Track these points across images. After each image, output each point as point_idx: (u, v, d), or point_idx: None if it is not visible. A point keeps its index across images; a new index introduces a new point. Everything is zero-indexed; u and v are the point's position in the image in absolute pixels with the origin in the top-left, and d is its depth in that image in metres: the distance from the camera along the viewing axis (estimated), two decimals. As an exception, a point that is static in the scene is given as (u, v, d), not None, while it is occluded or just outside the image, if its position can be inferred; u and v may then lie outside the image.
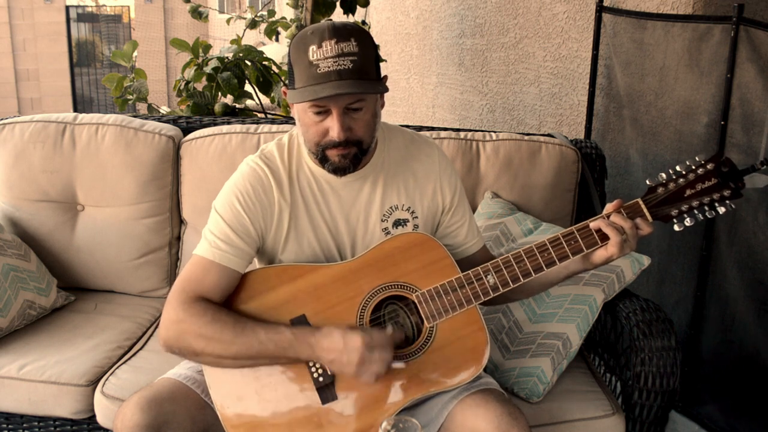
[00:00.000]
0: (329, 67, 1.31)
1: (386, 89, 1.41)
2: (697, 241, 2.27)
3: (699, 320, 2.30)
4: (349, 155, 1.40)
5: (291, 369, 1.42)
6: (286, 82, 1.66)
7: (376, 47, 1.41)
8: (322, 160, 1.42)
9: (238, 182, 1.48)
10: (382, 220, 1.51)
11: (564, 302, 1.80)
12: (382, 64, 2.86)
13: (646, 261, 1.84)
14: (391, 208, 1.52)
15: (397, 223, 1.52)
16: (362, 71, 1.33)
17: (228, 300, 1.45)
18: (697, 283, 2.29)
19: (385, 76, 1.44)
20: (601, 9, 2.58)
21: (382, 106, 1.46)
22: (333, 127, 1.36)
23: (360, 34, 1.35)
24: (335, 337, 1.35)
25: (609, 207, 1.44)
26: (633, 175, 2.52)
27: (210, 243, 1.44)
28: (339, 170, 1.42)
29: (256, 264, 1.58)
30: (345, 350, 1.34)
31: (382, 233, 1.51)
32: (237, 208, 1.45)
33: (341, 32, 1.33)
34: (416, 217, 1.53)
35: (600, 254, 1.43)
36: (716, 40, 2.13)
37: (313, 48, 1.33)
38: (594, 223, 1.42)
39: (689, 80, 2.25)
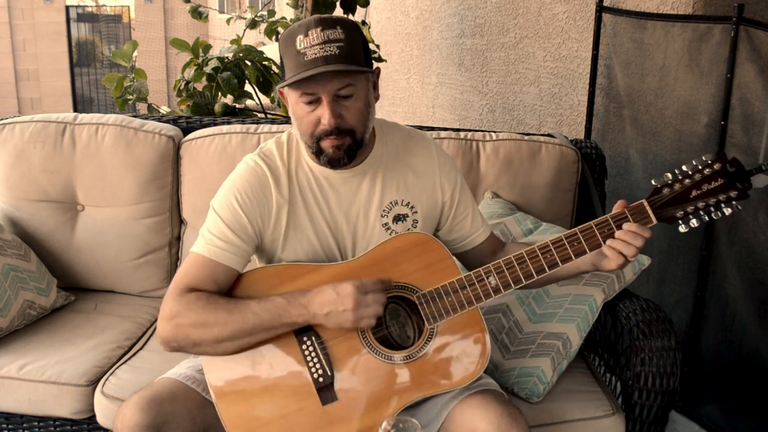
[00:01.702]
0: (316, 54, 1.32)
1: (373, 71, 1.41)
2: (697, 241, 2.27)
3: (699, 320, 2.30)
4: (343, 146, 1.40)
5: (291, 370, 1.42)
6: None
7: (364, 38, 1.41)
8: (317, 152, 1.42)
9: (236, 181, 1.48)
10: (382, 216, 1.51)
11: (564, 302, 1.80)
12: (382, 64, 2.86)
13: (646, 261, 1.84)
14: (390, 203, 1.52)
15: (397, 219, 1.52)
16: (349, 56, 1.34)
17: (228, 300, 1.45)
18: (697, 283, 2.29)
19: (378, 68, 1.44)
20: (601, 9, 2.58)
21: (377, 98, 1.46)
22: (324, 114, 1.36)
23: (346, 23, 1.37)
24: (326, 290, 1.37)
25: (617, 207, 1.42)
26: (633, 175, 2.52)
27: (206, 240, 1.44)
28: (334, 162, 1.42)
29: (257, 263, 1.58)
30: (338, 299, 1.35)
31: (383, 229, 1.51)
32: (234, 207, 1.45)
33: (327, 21, 1.35)
34: (416, 212, 1.53)
35: (605, 265, 1.43)
36: (716, 40, 2.13)
37: (300, 38, 1.34)
38: (604, 248, 1.40)
39: (689, 80, 2.25)
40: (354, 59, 1.35)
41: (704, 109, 2.21)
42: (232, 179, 1.49)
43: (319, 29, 1.33)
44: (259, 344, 1.42)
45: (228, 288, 1.45)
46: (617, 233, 1.39)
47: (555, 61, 2.96)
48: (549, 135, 2.22)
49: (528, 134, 2.20)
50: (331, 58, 1.32)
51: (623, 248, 1.38)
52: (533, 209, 2.12)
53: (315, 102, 1.37)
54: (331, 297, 1.36)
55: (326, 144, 1.40)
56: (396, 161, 1.53)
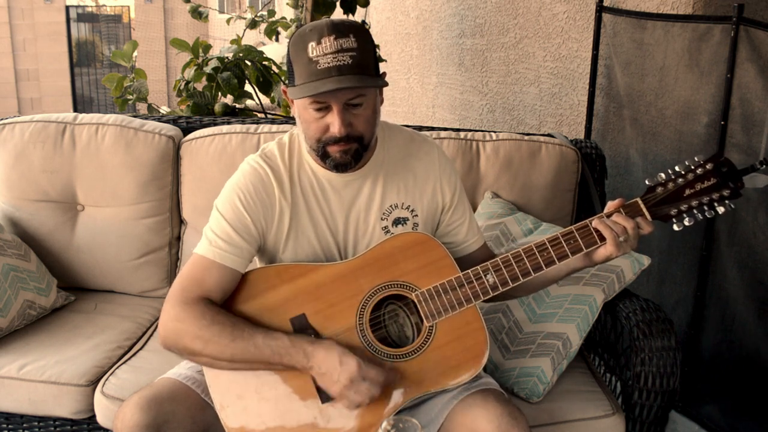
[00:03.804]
0: (329, 63, 1.32)
1: (386, 83, 1.41)
2: (697, 241, 2.27)
3: (699, 320, 2.30)
4: (350, 151, 1.40)
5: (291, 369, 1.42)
6: (286, 81, 1.67)
7: (374, 43, 1.42)
8: (323, 156, 1.42)
9: (240, 181, 1.48)
10: (382, 219, 1.51)
11: (564, 302, 1.80)
12: (382, 64, 2.87)
13: (646, 261, 1.84)
14: (391, 206, 1.52)
15: (397, 222, 1.52)
16: (362, 66, 1.34)
17: (229, 299, 1.45)
18: (697, 283, 2.29)
19: (384, 73, 1.44)
20: (601, 9, 2.58)
21: (381, 102, 1.46)
22: (334, 123, 1.36)
23: (358, 30, 1.36)
24: (333, 352, 1.35)
25: (610, 205, 1.44)
26: (633, 175, 2.52)
27: (211, 242, 1.44)
28: (340, 166, 1.42)
29: (257, 263, 1.58)
30: (338, 368, 1.33)
31: (382, 232, 1.51)
32: (238, 207, 1.45)
33: (340, 28, 1.33)
34: (416, 216, 1.54)
35: (600, 252, 1.43)
36: (716, 40, 2.13)
37: (312, 45, 1.33)
38: (594, 223, 1.42)
39: (689, 80, 2.25)
40: (366, 69, 1.35)
41: (704, 109, 2.21)
42: (236, 180, 1.49)
43: (332, 37, 1.32)
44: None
45: (232, 289, 1.45)
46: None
47: (555, 61, 2.96)
48: (549, 135, 2.22)
49: (528, 134, 2.20)
50: (344, 68, 1.32)
51: (613, 225, 1.40)
52: (533, 209, 2.11)
53: (324, 109, 1.37)
54: (334, 361, 1.34)
55: (333, 149, 1.40)
56: (397, 164, 1.54)
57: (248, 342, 1.37)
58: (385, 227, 1.52)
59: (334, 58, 1.32)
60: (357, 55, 1.33)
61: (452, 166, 1.59)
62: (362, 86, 1.34)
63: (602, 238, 1.42)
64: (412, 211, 1.54)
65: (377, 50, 3.14)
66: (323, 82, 1.31)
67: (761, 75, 2.04)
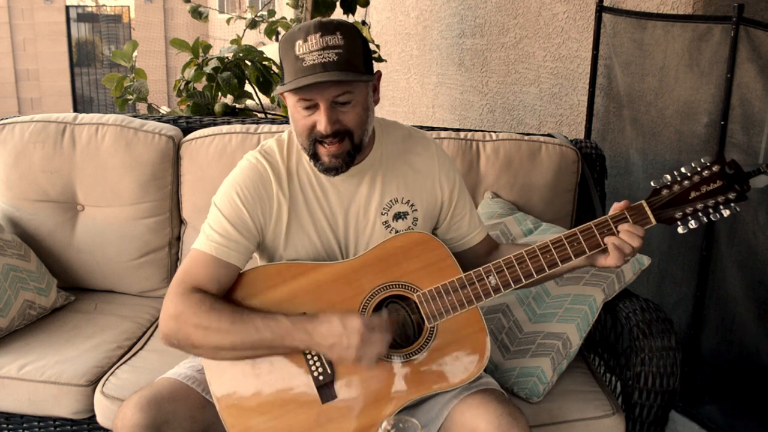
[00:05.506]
0: (314, 60, 1.33)
1: (371, 79, 1.41)
2: (697, 241, 2.27)
3: (699, 320, 2.30)
4: (342, 154, 1.40)
5: (291, 367, 1.42)
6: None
7: (365, 42, 1.41)
8: (314, 157, 1.42)
9: (238, 177, 1.48)
10: (382, 214, 1.51)
11: (564, 302, 1.80)
12: (382, 64, 2.86)
13: (646, 261, 1.84)
14: (390, 201, 1.52)
15: (397, 216, 1.52)
16: (348, 63, 1.34)
17: (229, 297, 1.45)
18: (697, 283, 2.29)
19: (378, 72, 1.44)
20: (601, 9, 2.58)
21: (376, 102, 1.46)
22: (320, 120, 1.37)
23: (346, 28, 1.36)
24: (333, 322, 1.36)
25: (616, 207, 1.43)
26: (633, 175, 2.52)
27: (208, 237, 1.45)
28: (330, 170, 1.43)
29: (258, 261, 1.58)
30: (345, 333, 1.34)
31: (383, 227, 1.52)
32: (236, 203, 1.46)
33: (327, 26, 1.34)
34: (416, 210, 1.54)
35: (601, 261, 1.44)
36: (716, 40, 2.13)
37: (299, 43, 1.34)
38: (606, 239, 1.41)
39: (689, 80, 2.25)
40: (352, 66, 1.35)
41: (704, 109, 2.21)
42: (234, 175, 1.50)
43: (318, 35, 1.33)
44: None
45: (230, 285, 1.45)
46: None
47: (555, 61, 2.96)
48: (549, 135, 2.22)
49: (528, 134, 2.20)
50: (329, 65, 1.32)
51: (623, 246, 1.40)
52: (533, 209, 2.11)
53: (313, 107, 1.37)
54: (337, 330, 1.35)
55: (323, 151, 1.40)
56: (396, 159, 1.54)
57: (248, 325, 1.37)
58: (385, 222, 1.52)
59: (319, 55, 1.32)
60: (343, 53, 1.33)
61: (451, 161, 1.60)
62: (343, 81, 1.34)
63: (605, 242, 1.42)
64: (412, 205, 1.54)
65: (377, 50, 3.14)
66: (306, 78, 1.32)
67: (761, 75, 2.04)
